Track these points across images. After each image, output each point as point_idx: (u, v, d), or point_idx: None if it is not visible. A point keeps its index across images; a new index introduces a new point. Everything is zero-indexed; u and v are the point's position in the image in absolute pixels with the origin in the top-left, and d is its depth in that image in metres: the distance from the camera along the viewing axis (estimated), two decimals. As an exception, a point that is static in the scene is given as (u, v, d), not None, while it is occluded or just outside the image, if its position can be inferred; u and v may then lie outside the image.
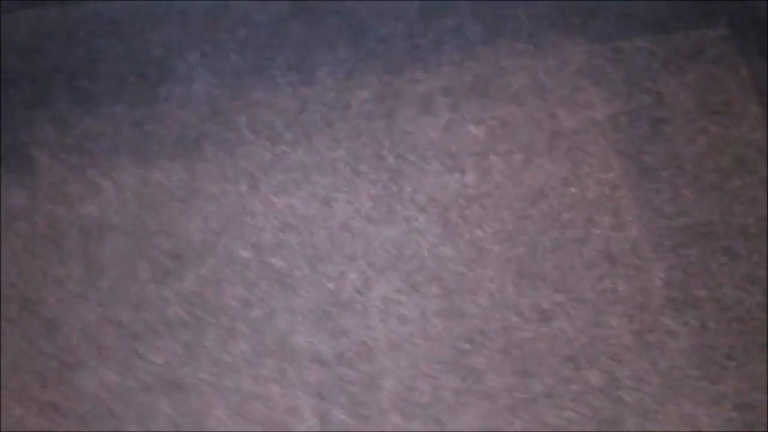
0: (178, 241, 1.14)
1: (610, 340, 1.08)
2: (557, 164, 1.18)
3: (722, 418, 1.02)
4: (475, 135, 1.20)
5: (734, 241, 1.13)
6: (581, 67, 1.25)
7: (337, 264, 1.12)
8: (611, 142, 1.19)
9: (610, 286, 1.10)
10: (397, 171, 1.18)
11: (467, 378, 1.06)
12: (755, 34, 1.26)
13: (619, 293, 1.10)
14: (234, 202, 1.17)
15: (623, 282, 1.11)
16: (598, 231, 1.14)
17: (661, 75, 1.24)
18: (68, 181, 1.19)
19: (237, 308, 1.10)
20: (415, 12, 1.27)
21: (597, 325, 1.08)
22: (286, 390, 1.05)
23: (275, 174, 1.18)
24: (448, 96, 1.22)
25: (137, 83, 1.24)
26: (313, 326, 1.09)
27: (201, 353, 1.08)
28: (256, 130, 1.21)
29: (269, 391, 1.06)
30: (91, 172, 1.20)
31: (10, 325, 1.09)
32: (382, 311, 1.10)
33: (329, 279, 1.11)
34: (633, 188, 1.16)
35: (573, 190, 1.16)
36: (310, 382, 1.06)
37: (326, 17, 1.27)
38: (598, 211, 1.15)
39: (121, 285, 1.12)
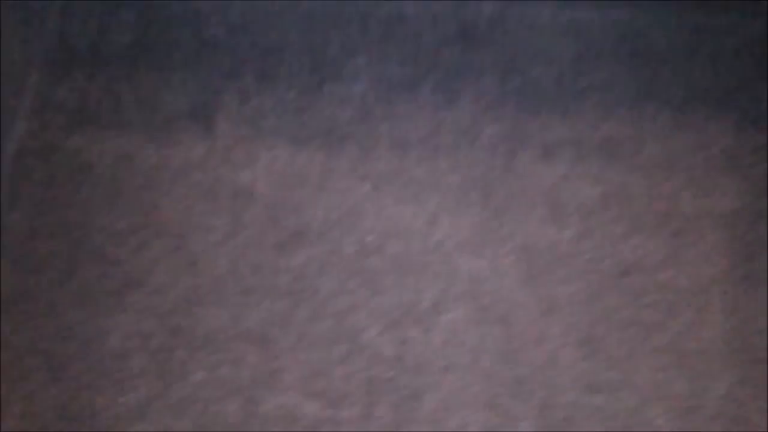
0: (301, 221, 1.29)
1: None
2: (659, 244, 1.15)
3: None
4: (589, 194, 1.21)
5: (824, 375, 1.04)
6: (722, 152, 1.19)
7: (420, 279, 1.21)
8: (725, 238, 1.14)
9: (667, 381, 1.08)
10: (502, 209, 1.22)
11: (499, 419, 1.11)
12: None
13: (673, 390, 1.08)
14: (355, 199, 1.29)
15: (681, 381, 1.08)
16: (675, 322, 1.11)
17: (811, 179, 1.15)
18: (236, 147, 1.38)
19: (329, 293, 1.23)
20: (570, 58, 1.28)
21: (637, 414, 1.07)
22: (346, 376, 1.18)
23: (396, 183, 1.28)
24: (574, 149, 1.23)
25: (310, 75, 1.39)
26: (384, 328, 1.20)
27: (290, 323, 1.23)
28: (392, 140, 1.31)
29: (334, 371, 1.19)
30: (255, 143, 1.38)
31: (162, 256, 1.30)
32: (445, 334, 1.17)
33: (410, 291, 1.21)
34: (729, 291, 1.11)
35: (666, 275, 1.14)
36: (366, 375, 1.17)
37: (485, 47, 1.32)
38: (683, 303, 1.12)
39: (251, 245, 1.30)
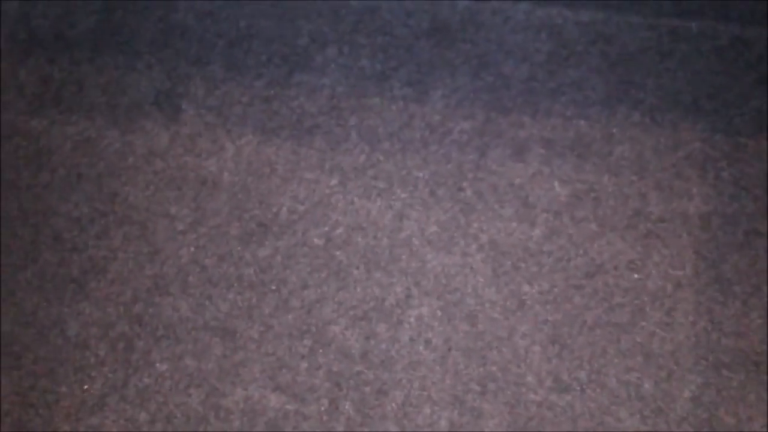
0: (268, 212, 1.26)
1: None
2: (629, 245, 1.15)
3: None
4: (558, 193, 1.20)
5: (787, 378, 1.05)
6: (693, 155, 1.19)
7: (388, 274, 1.18)
8: (694, 240, 1.14)
9: (636, 381, 1.08)
10: (471, 206, 1.20)
11: (466, 417, 1.09)
12: None
13: (642, 391, 1.07)
14: (323, 192, 1.26)
15: (650, 382, 1.07)
16: (644, 324, 1.10)
17: (777, 184, 1.15)
18: (202, 135, 1.34)
19: (296, 285, 1.20)
20: (543, 56, 1.27)
21: (608, 413, 1.06)
22: (311, 370, 1.15)
23: (364, 177, 1.25)
24: (545, 148, 1.22)
25: (279, 64, 1.36)
26: (351, 322, 1.17)
27: (256, 314, 1.19)
28: (360, 133, 1.28)
29: (299, 365, 1.16)
30: (222, 132, 1.34)
31: (124, 244, 1.26)
32: (413, 330, 1.15)
33: (378, 286, 1.18)
34: (698, 293, 1.10)
35: (635, 275, 1.13)
36: (332, 370, 1.14)
37: (458, 42, 1.30)
38: (652, 305, 1.11)
39: (215, 235, 1.26)
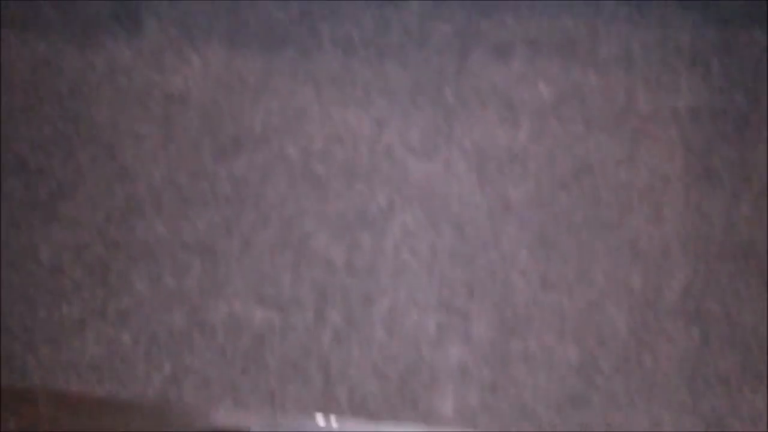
0: (240, 126, 1.31)
1: (604, 326, 1.14)
2: (617, 143, 1.22)
3: (687, 430, 1.07)
4: (543, 94, 1.26)
5: (775, 267, 1.13)
6: (681, 49, 1.25)
7: (370, 184, 1.25)
8: (683, 134, 1.21)
9: (624, 277, 1.16)
10: (453, 111, 1.26)
11: (454, 319, 1.17)
12: None
13: (631, 286, 1.15)
14: (297, 104, 1.31)
15: (639, 276, 1.16)
16: (632, 220, 1.18)
17: None
18: (166, 50, 1.37)
19: (274, 200, 1.26)
20: (524, -46, 1.32)
21: (596, 309, 1.15)
22: (295, 282, 1.22)
23: (340, 86, 1.31)
24: (529, 48, 1.28)
25: (246, -29, 1.39)
26: (333, 234, 1.23)
27: (235, 230, 1.26)
28: (334, 41, 1.33)
29: (282, 278, 1.23)
30: (186, 46, 1.37)
31: (92, 165, 1.31)
32: (397, 238, 1.22)
33: (360, 196, 1.25)
34: (687, 188, 1.18)
35: (623, 173, 1.20)
36: (317, 281, 1.21)
37: (435, -58, 1.34)
38: (640, 201, 1.19)
39: (186, 153, 1.31)
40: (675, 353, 1.13)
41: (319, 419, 1.16)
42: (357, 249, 1.23)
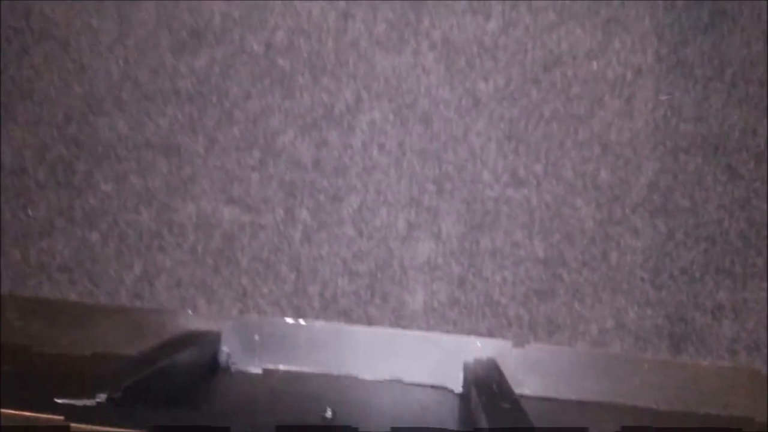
0: (200, 19, 1.32)
1: (571, 220, 1.20)
2: (588, 33, 1.24)
3: (650, 322, 1.16)
4: (514, -19, 1.27)
5: (742, 162, 1.19)
6: (654, -68, 1.26)
7: (336, 79, 1.27)
8: (657, 24, 1.24)
9: (593, 171, 1.21)
10: (421, 1, 1.28)
11: (423, 216, 1.22)
12: None
13: (599, 180, 1.21)
14: (261, -7, 1.32)
15: (607, 170, 1.21)
16: (602, 113, 1.22)
17: (741, -39, 1.24)
18: (119, -66, 1.36)
19: (238, 96, 1.29)
20: None
21: (563, 204, 1.20)
22: (263, 180, 1.26)
23: (305, -25, 1.31)
24: (499, -68, 1.28)
25: None
26: (300, 131, 1.27)
27: (199, 128, 1.29)
28: (298, -75, 1.32)
29: (250, 177, 1.27)
30: (141, -70, 1.36)
31: (47, 62, 1.32)
32: (365, 134, 1.26)
33: (326, 92, 1.27)
34: (659, 79, 1.22)
35: (594, 64, 1.24)
36: (285, 179, 1.26)
37: None
38: (611, 94, 1.23)
39: (144, 48, 1.32)
40: (640, 247, 1.20)
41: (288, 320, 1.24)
42: (325, 147, 1.27)
